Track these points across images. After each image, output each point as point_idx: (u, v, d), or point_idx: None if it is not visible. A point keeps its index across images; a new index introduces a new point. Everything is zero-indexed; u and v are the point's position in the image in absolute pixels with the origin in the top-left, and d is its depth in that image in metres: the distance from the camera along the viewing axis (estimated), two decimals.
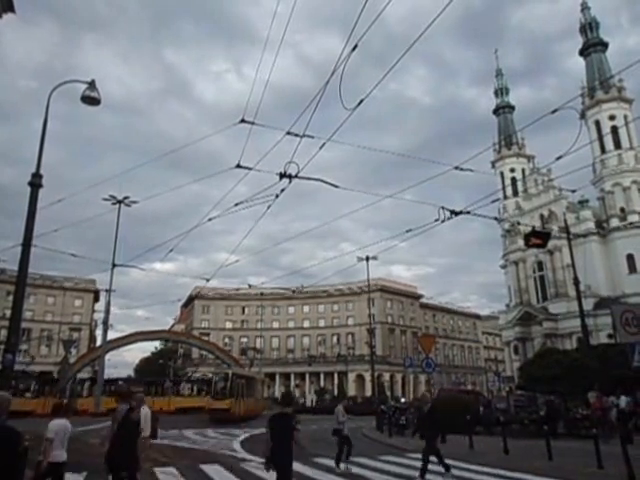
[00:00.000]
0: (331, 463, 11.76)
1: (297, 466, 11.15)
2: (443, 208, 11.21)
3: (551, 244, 42.85)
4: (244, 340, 77.97)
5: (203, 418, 29.68)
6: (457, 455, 12.44)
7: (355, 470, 10.81)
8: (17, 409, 32.53)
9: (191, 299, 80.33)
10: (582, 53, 60.03)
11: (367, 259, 36.41)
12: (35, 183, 9.99)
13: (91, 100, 10.09)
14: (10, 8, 11.91)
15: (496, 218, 18.22)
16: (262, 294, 71.06)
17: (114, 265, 32.59)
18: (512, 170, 67.34)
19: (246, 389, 31.73)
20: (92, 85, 10.02)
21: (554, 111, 9.72)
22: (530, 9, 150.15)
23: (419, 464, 11.46)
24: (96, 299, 69.68)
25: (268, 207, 11.81)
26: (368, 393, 57.68)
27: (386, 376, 68.81)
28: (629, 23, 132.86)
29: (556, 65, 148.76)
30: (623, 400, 18.28)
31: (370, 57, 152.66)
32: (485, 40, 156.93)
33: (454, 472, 10.48)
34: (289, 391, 62.33)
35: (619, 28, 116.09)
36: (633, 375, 11.78)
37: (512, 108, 71.13)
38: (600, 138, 53.67)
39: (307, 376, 73.42)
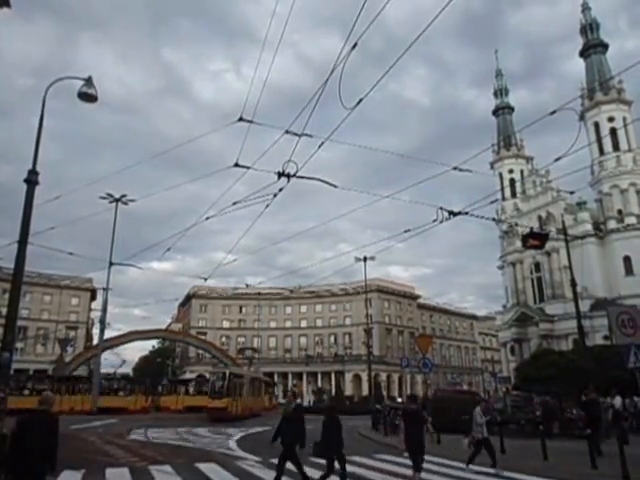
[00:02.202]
0: (325, 462, 11.76)
1: (292, 465, 11.18)
2: (441, 209, 11.22)
3: (549, 245, 42.86)
4: (241, 340, 77.89)
5: (202, 416, 29.84)
6: (453, 455, 12.46)
7: (351, 468, 10.80)
8: (112, 406, 34.80)
9: (188, 298, 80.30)
10: (582, 54, 60.05)
11: (365, 259, 36.35)
12: (31, 180, 9.95)
13: (88, 97, 10.05)
14: (5, 3, 11.82)
15: (494, 219, 18.26)
16: (260, 294, 71.07)
17: (111, 263, 32.55)
18: (511, 171, 67.45)
19: (244, 388, 31.81)
20: (89, 82, 9.98)
21: (553, 112, 9.74)
22: (529, 12, 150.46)
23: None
24: (93, 297, 69.54)
25: (266, 206, 11.80)
26: (365, 393, 57.71)
27: (383, 376, 68.86)
28: (628, 26, 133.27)
29: (554, 68, 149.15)
30: (618, 401, 18.33)
31: (370, 58, 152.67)
32: (484, 42, 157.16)
33: (451, 472, 10.50)
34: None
35: (618, 31, 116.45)
36: (629, 377, 11.79)
37: (511, 109, 71.15)
38: (599, 140, 53.77)
39: (304, 376, 73.45)
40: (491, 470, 10.64)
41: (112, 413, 32.79)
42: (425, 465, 11.29)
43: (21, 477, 4.97)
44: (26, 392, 33.18)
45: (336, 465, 8.21)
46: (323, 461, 11.85)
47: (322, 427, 8.47)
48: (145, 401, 38.24)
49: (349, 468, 10.89)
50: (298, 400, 8.36)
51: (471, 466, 10.81)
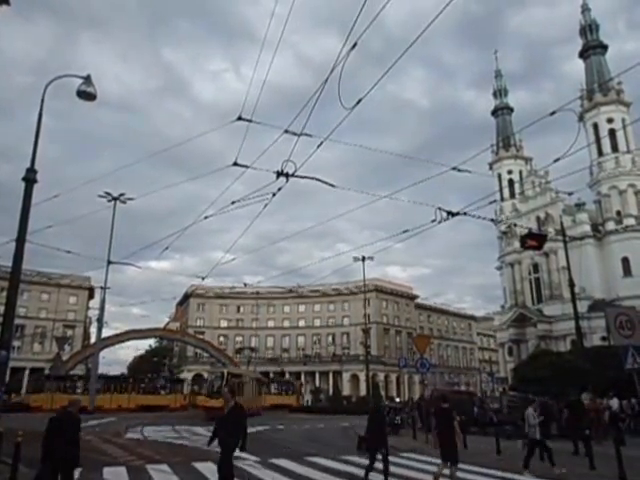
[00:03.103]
0: (323, 462, 11.77)
1: (291, 465, 11.20)
2: (440, 209, 11.19)
3: (547, 246, 42.85)
4: (239, 339, 77.79)
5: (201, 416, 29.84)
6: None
7: (348, 468, 10.82)
8: (155, 404, 36.88)
9: (186, 297, 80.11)
10: (582, 55, 60.06)
11: (363, 259, 36.42)
12: (29, 178, 9.93)
13: (87, 95, 10.02)
14: (5, 0, 11.77)
15: (493, 220, 18.24)
16: (258, 293, 70.99)
17: (109, 262, 32.47)
18: (509, 172, 67.45)
19: (242, 388, 31.80)
20: (88, 80, 9.96)
21: (552, 113, 9.73)
22: (528, 14, 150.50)
23: (412, 463, 11.52)
24: (91, 296, 69.36)
25: (265, 206, 11.77)
26: (363, 393, 57.71)
27: (381, 376, 68.83)
28: (626, 29, 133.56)
29: (553, 69, 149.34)
30: (615, 402, 18.37)
31: (369, 59, 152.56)
32: (483, 43, 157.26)
33: (446, 472, 10.49)
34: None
35: (617, 34, 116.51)
36: (626, 378, 11.81)
37: (511, 109, 71.10)
38: (598, 141, 53.78)
39: (302, 375, 73.38)
40: (525, 473, 10.25)
41: (154, 410, 35.40)
42: (420, 465, 11.35)
43: (54, 463, 6.14)
44: (78, 391, 35.45)
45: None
46: (317, 459, 11.92)
47: (367, 423, 9.58)
48: (184, 399, 41.31)
49: (345, 467, 10.96)
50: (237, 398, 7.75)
51: (467, 466, 10.76)
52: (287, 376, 66.86)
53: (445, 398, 10.10)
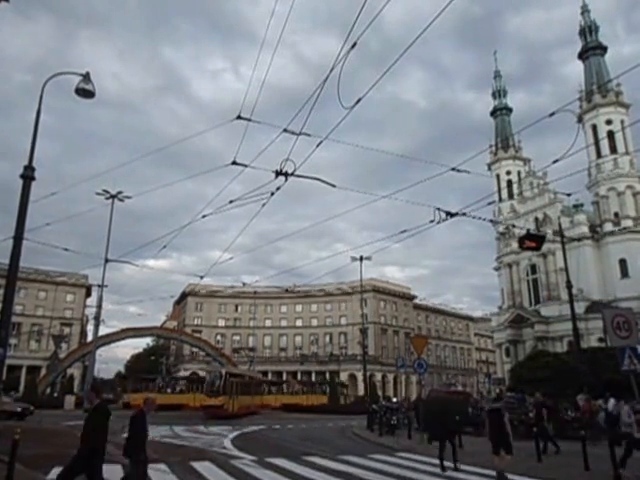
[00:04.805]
0: (321, 462, 11.77)
1: (288, 464, 11.20)
2: (438, 209, 11.20)
3: (545, 247, 43.00)
4: (236, 338, 77.78)
5: (199, 415, 29.84)
6: (446, 455, 12.47)
7: (345, 468, 10.83)
8: (174, 402, 36.88)
9: (184, 296, 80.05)
10: (581, 56, 60.00)
11: (361, 259, 36.42)
12: (27, 175, 9.90)
13: (85, 92, 9.99)
14: None
15: (491, 220, 18.26)
16: (255, 292, 70.94)
17: (107, 260, 32.38)
18: (508, 173, 67.45)
19: (240, 387, 31.83)
20: (86, 77, 9.93)
21: (552, 114, 9.75)
22: (527, 16, 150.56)
23: (409, 463, 11.53)
24: (88, 294, 69.22)
25: (263, 205, 11.76)
26: (360, 393, 57.75)
27: (378, 376, 68.89)
28: (624, 32, 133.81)
29: (552, 72, 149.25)
30: (612, 404, 18.39)
31: (368, 60, 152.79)
32: (482, 45, 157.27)
33: (442, 472, 10.51)
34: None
35: (615, 37, 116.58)
36: (622, 379, 11.84)
37: (510, 110, 71.16)
38: (596, 142, 53.79)
39: (299, 375, 73.39)
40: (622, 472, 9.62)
41: (173, 409, 36.26)
42: (416, 465, 11.37)
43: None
44: (169, 390, 39.02)
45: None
46: (314, 459, 11.94)
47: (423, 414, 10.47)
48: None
49: (343, 467, 10.98)
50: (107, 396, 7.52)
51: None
52: (284, 376, 66.98)
53: (498, 399, 10.58)
